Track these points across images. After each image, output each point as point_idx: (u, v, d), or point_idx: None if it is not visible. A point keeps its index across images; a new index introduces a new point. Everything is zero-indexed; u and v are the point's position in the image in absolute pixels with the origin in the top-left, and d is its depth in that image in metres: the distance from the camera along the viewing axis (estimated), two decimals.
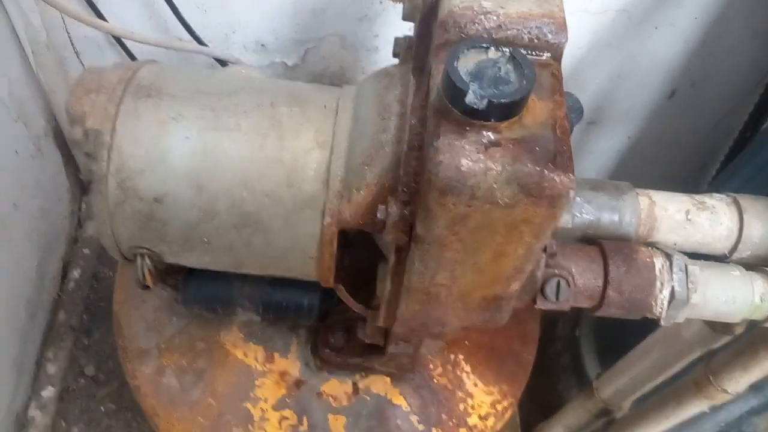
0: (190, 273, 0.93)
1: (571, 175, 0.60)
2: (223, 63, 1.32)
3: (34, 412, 1.37)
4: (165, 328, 1.02)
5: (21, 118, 1.33)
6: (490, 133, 0.61)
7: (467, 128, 0.61)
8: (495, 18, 0.67)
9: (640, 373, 1.37)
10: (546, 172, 0.60)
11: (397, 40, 0.86)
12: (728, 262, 0.94)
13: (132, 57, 1.34)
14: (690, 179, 1.89)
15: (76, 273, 1.56)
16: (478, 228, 0.64)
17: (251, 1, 1.29)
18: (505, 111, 0.60)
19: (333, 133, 0.78)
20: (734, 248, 0.92)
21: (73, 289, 1.54)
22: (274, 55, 1.42)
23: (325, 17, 1.34)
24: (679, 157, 1.82)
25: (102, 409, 1.44)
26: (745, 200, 0.92)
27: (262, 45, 1.39)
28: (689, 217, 0.90)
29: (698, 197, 0.93)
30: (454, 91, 0.60)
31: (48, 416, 1.37)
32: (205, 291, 0.93)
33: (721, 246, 0.92)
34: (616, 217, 0.89)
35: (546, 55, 0.69)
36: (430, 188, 0.61)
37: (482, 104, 0.59)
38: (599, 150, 1.79)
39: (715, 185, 1.63)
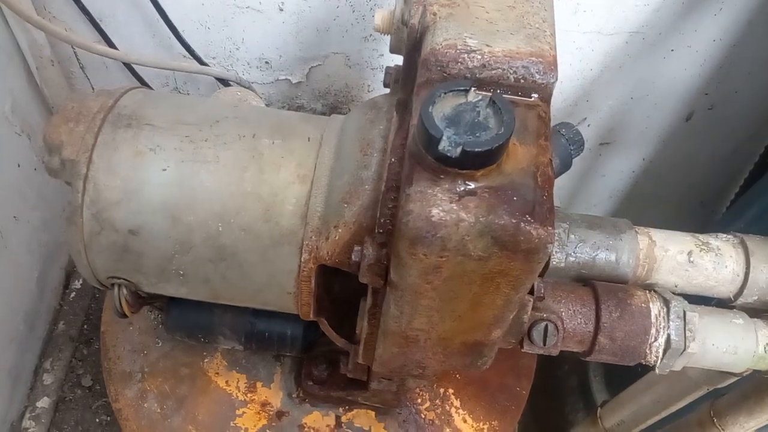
0: (173, 299, 0.91)
1: (549, 227, 0.57)
2: (224, 82, 1.30)
3: (28, 422, 1.37)
4: (150, 351, 1.01)
5: (24, 132, 1.33)
6: (464, 182, 0.58)
7: (442, 176, 0.58)
8: (479, 57, 0.64)
9: (644, 406, 1.33)
10: (522, 224, 0.56)
11: (388, 70, 0.84)
12: (733, 307, 0.89)
13: (135, 73, 1.33)
14: (708, 203, 1.83)
15: (77, 283, 1.57)
16: (453, 278, 0.61)
17: (254, 18, 1.28)
18: (480, 159, 0.57)
19: (314, 167, 0.76)
20: (740, 292, 0.87)
21: (74, 299, 1.55)
22: (279, 72, 1.40)
23: (329, 36, 1.32)
24: (696, 181, 1.76)
25: (97, 420, 1.43)
26: (754, 242, 0.88)
27: (266, 62, 1.37)
28: (691, 258, 0.86)
29: (702, 237, 0.89)
30: (428, 138, 0.57)
31: (42, 426, 1.37)
32: (186, 318, 0.91)
33: (726, 290, 0.88)
34: (612, 257, 0.86)
35: (534, 96, 0.66)
36: (400, 237, 0.59)
37: (456, 152, 0.56)
38: (612, 172, 1.74)
39: (734, 210, 1.57)
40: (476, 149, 0.56)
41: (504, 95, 0.65)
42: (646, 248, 0.86)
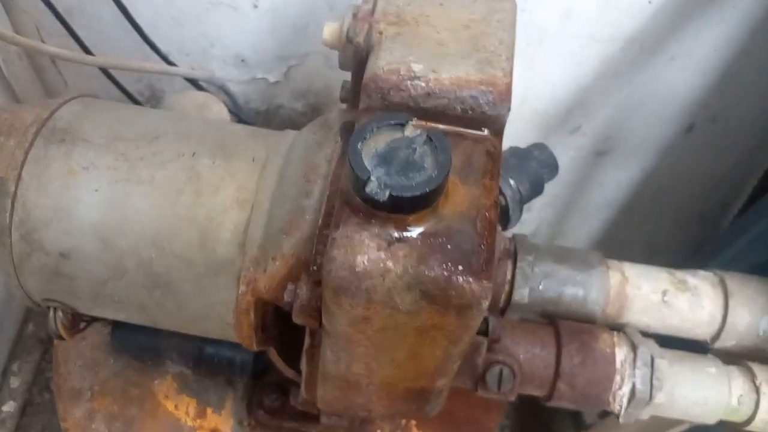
0: None
1: (485, 281, 0.51)
2: (194, 82, 1.25)
3: None
4: (101, 369, 0.97)
5: None
6: (395, 227, 0.52)
7: (372, 220, 0.53)
8: (424, 85, 0.58)
9: None
10: (454, 277, 0.51)
11: (344, 84, 0.78)
12: (711, 350, 0.83)
13: (105, 70, 1.28)
14: (708, 215, 1.75)
15: None
16: (385, 329, 0.56)
17: (227, 14, 1.22)
18: (410, 204, 0.51)
19: (256, 191, 0.71)
20: (717, 336, 0.81)
21: None
22: (256, 70, 1.34)
23: (307, 34, 1.26)
24: (697, 193, 1.68)
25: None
26: (734, 281, 0.81)
27: (243, 60, 1.32)
28: (666, 298, 0.80)
29: (680, 275, 0.82)
30: (355, 178, 0.51)
31: (7, 431, 1.35)
32: (132, 340, 0.87)
33: (702, 332, 0.82)
34: (580, 293, 0.80)
35: (484, 129, 0.60)
36: (324, 286, 0.54)
37: (384, 195, 0.50)
38: (610, 182, 1.67)
39: (737, 225, 1.49)
40: (405, 194, 0.50)
41: (451, 127, 0.59)
42: (617, 285, 0.80)
